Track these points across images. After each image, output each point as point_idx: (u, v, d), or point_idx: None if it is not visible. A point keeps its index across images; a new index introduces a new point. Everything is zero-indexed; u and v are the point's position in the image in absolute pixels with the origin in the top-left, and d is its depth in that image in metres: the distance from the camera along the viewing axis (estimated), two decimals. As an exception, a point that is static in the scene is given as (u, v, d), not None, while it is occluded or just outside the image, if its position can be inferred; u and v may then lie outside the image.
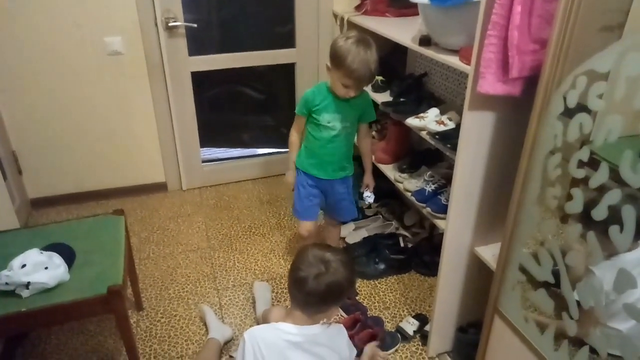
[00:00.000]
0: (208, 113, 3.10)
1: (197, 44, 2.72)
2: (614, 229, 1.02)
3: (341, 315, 2.01)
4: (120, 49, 2.51)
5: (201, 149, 2.98)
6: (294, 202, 2.07)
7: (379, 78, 2.43)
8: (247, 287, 2.19)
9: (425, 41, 1.83)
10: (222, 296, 2.14)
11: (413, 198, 2.11)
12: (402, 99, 2.32)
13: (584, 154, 1.10)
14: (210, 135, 3.15)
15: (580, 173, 1.12)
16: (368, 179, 2.12)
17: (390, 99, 2.36)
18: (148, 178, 2.91)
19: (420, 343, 1.91)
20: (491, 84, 1.22)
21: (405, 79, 2.43)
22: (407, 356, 1.85)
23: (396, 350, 1.87)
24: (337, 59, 1.72)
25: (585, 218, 1.14)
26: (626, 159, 0.97)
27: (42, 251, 1.47)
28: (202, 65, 2.72)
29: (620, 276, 1.03)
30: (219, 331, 1.87)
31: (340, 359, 1.40)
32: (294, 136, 1.99)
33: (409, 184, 2.22)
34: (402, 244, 2.41)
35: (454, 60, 1.63)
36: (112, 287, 1.44)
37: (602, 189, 1.06)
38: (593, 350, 1.15)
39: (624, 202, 1.01)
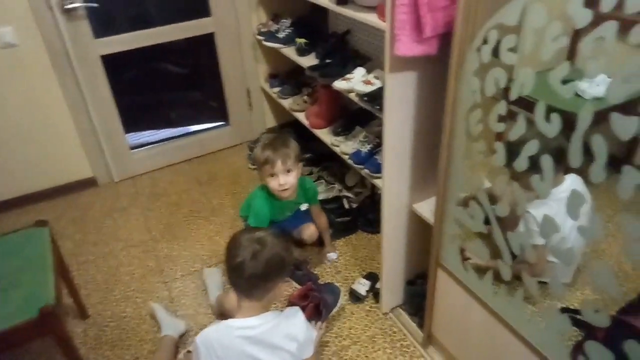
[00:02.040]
0: (130, 96, 2.90)
1: (103, 25, 2.50)
2: (535, 179, 1.05)
3: (294, 288, 2.02)
4: (14, 40, 2.26)
5: (128, 135, 2.81)
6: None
7: (302, 41, 2.35)
8: (196, 275, 2.14)
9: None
10: (171, 289, 2.08)
11: (350, 161, 2.10)
12: (327, 61, 2.26)
13: (501, 108, 1.11)
14: (135, 119, 2.97)
15: (500, 127, 1.13)
16: (328, 250, 2.21)
17: (317, 61, 2.30)
18: (74, 175, 2.72)
19: (374, 301, 1.96)
20: (407, 46, 1.20)
21: (328, 39, 2.36)
22: (362, 316, 1.90)
23: (352, 313, 1.91)
24: (256, 162, 1.90)
25: (510, 169, 1.17)
26: (539, 110, 0.98)
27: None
28: (111, 47, 2.51)
29: (545, 223, 1.07)
30: (171, 327, 1.82)
31: (298, 345, 1.40)
32: None
33: (345, 146, 2.20)
34: (346, 206, 2.43)
35: (372, 19, 1.58)
36: (44, 308, 1.34)
37: (522, 142, 1.08)
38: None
39: (542, 152, 1.03)
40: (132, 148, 2.87)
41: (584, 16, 0.84)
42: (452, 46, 1.13)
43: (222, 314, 1.87)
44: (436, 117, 1.45)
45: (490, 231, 1.26)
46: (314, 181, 2.66)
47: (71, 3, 2.30)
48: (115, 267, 2.21)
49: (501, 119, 1.11)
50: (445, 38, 1.22)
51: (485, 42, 1.08)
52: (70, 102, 2.51)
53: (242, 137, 3.12)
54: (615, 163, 0.94)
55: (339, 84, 1.96)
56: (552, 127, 0.97)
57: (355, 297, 1.96)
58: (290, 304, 1.86)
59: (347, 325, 1.87)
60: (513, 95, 1.04)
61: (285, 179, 1.85)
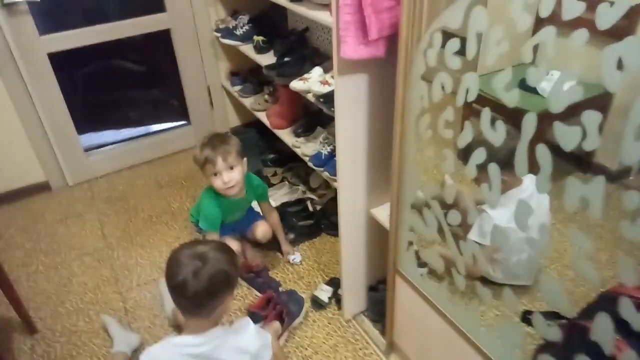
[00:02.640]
0: (85, 95, 2.78)
1: (49, 21, 2.37)
2: (483, 188, 1.01)
3: (256, 296, 1.96)
4: (-51, 38, 2.12)
5: (84, 136, 2.69)
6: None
7: (260, 38, 2.27)
8: (153, 285, 2.05)
9: (296, -3, 1.70)
10: (126, 299, 1.99)
11: (311, 163, 2.04)
12: (286, 59, 2.19)
13: (448, 114, 1.06)
14: (91, 119, 2.85)
15: (447, 133, 1.08)
16: (285, 248, 2.16)
17: (275, 59, 2.23)
18: (25, 179, 2.59)
19: (336, 307, 1.91)
20: (353, 48, 1.13)
21: (287, 37, 2.28)
22: (324, 323, 1.85)
23: (314, 321, 1.86)
24: (197, 162, 1.84)
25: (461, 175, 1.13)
26: (485, 117, 0.94)
27: None
28: (59, 44, 2.38)
29: (495, 231, 1.03)
30: (124, 342, 1.74)
31: (251, 356, 1.34)
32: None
33: (306, 148, 2.14)
34: (310, 208, 2.37)
35: (324, 17, 1.52)
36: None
37: (469, 148, 1.04)
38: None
39: (490, 160, 0.99)
40: (88, 150, 2.75)
41: (525, 20, 0.79)
42: (399, 49, 1.08)
43: (179, 326, 1.80)
44: (390, 121, 1.40)
45: (444, 239, 1.22)
46: (278, 182, 2.60)
47: (12, -2, 2.17)
48: (67, 278, 2.11)
49: (448, 125, 1.07)
50: (393, 40, 1.16)
51: (431, 45, 1.03)
52: (18, 103, 2.37)
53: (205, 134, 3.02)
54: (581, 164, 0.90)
55: (295, 84, 1.89)
56: (498, 135, 0.92)
57: (317, 304, 1.91)
58: (251, 313, 1.80)
59: (309, 334, 1.81)
60: (458, 101, 0.99)
61: (229, 175, 1.81)
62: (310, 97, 1.89)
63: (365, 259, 1.77)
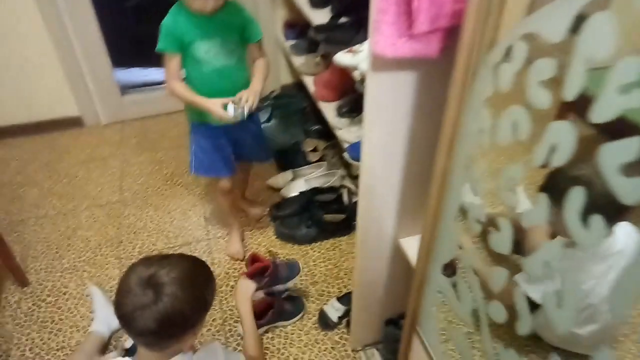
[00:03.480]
0: (125, 29, 2.55)
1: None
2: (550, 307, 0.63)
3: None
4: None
5: (126, 70, 2.48)
6: (194, 159, 1.66)
7: (316, -12, 1.86)
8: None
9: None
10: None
11: (347, 153, 1.69)
12: (342, 20, 1.78)
13: (513, 172, 0.67)
14: (131, 55, 2.64)
15: (511, 199, 0.69)
16: (251, 87, 1.51)
17: (331, 18, 1.83)
18: (58, 111, 2.46)
19: (346, 331, 1.62)
20: (390, 41, 0.75)
21: (350, -9, 1.85)
22: (327, 347, 1.57)
23: (316, 342, 1.58)
24: None
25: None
26: (572, 209, 0.55)
27: None
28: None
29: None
30: (104, 321, 1.56)
31: None
32: (177, 85, 1.47)
33: (347, 132, 1.78)
34: (345, 199, 2.03)
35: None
36: None
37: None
38: None
39: (563, 261, 0.61)
40: (124, 88, 2.56)
41: None
42: (457, 55, 0.68)
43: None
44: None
45: (477, 329, 0.86)
46: (316, 161, 2.28)
47: None
48: (73, 229, 1.97)
49: (511, 180, 0.68)
50: (455, 35, 0.75)
51: (508, 56, 0.62)
52: (53, 31, 2.19)
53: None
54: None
55: (341, 57, 1.49)
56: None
57: (324, 321, 1.62)
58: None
59: (307, 356, 1.54)
60: (535, 160, 0.60)
61: None
62: (356, 75, 1.50)
63: (385, 289, 1.43)
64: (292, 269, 1.61)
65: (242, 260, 1.83)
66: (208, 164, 1.66)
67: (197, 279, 1.02)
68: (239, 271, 1.79)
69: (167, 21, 1.42)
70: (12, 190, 2.16)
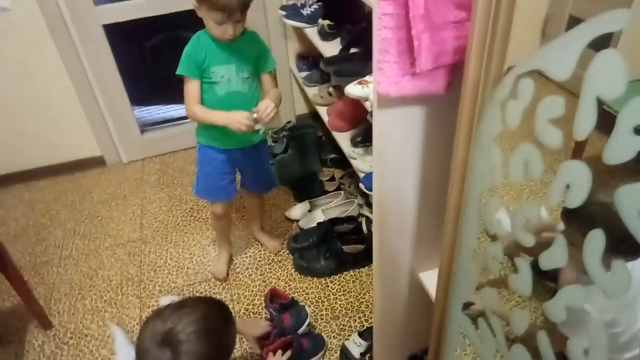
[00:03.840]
0: (141, 69, 2.62)
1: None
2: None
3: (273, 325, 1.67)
4: (5, 3, 2.02)
5: (144, 108, 2.54)
6: (197, 181, 1.72)
7: (326, 22, 1.88)
8: (175, 293, 1.86)
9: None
10: (144, 306, 1.82)
11: (362, 184, 1.67)
12: (352, 51, 1.79)
13: (530, 212, 0.64)
14: (149, 94, 2.71)
15: (527, 240, 0.66)
16: (266, 99, 1.52)
17: (341, 50, 1.84)
18: (81, 152, 2.53)
19: (369, 367, 1.57)
20: (393, 80, 0.73)
21: (358, 22, 1.87)
22: (350, 386, 1.52)
23: (338, 378, 1.54)
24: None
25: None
26: (592, 253, 0.51)
27: None
28: (114, 15, 2.20)
29: None
30: (126, 361, 1.57)
31: None
32: (196, 107, 1.52)
33: (362, 162, 1.77)
34: (364, 229, 2.00)
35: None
36: None
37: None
38: None
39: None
40: (145, 126, 2.62)
41: None
42: (462, 92, 0.66)
43: None
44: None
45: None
46: (334, 190, 2.26)
47: (66, -36, 2.00)
48: (95, 270, 1.99)
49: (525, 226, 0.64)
50: (460, 70, 0.74)
51: (515, 95, 0.60)
52: (74, 76, 2.27)
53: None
54: None
55: (352, 89, 1.49)
56: None
57: (346, 358, 1.58)
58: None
59: (329, 394, 1.50)
60: (551, 199, 0.57)
61: (236, 28, 1.41)
62: (368, 106, 1.50)
63: (406, 324, 1.39)
64: (317, 343, 1.60)
65: (223, 281, 1.88)
66: (207, 187, 1.73)
67: (214, 327, 1.00)
68: (259, 307, 1.77)
69: (188, 47, 1.49)
70: (37, 231, 2.20)
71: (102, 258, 2.05)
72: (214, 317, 1.02)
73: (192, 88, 1.50)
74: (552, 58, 0.51)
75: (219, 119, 1.49)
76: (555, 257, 0.59)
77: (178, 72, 1.49)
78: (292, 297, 1.73)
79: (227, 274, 1.90)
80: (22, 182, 2.49)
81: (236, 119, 1.45)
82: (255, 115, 1.45)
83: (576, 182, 0.53)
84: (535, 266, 0.66)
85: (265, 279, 1.89)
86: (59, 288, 1.92)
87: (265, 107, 1.46)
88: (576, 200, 0.53)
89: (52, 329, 1.76)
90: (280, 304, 1.69)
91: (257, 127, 1.47)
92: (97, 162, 2.57)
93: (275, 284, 1.86)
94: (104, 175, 2.54)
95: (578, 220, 0.62)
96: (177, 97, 1.58)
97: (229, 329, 1.06)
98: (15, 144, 2.40)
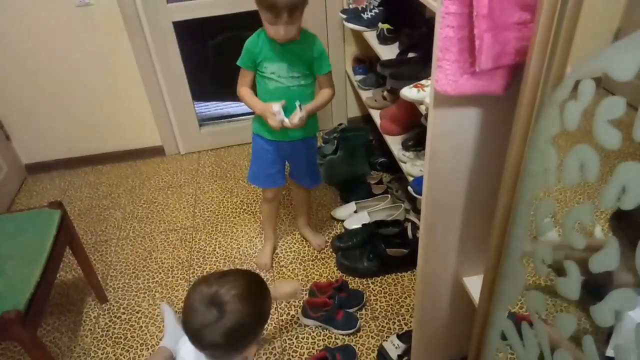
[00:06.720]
0: (213, 64, 2.74)
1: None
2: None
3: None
4: (88, -2, 2.19)
5: (203, 104, 2.66)
6: (250, 168, 1.86)
7: (385, 26, 1.91)
8: (221, 280, 1.94)
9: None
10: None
11: (411, 188, 1.68)
12: (410, 55, 1.81)
13: (584, 213, 0.63)
14: (213, 89, 2.83)
15: (579, 241, 0.66)
16: (305, 106, 1.63)
17: (398, 54, 1.86)
18: (143, 141, 2.68)
19: (405, 370, 1.57)
20: (452, 79, 0.75)
21: (418, 27, 1.88)
22: (385, 386, 1.53)
23: (373, 378, 1.55)
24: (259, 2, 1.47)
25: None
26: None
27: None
28: (184, 13, 2.32)
29: None
30: (174, 338, 1.63)
31: None
32: (243, 90, 1.67)
33: (412, 166, 1.78)
34: (409, 234, 2.00)
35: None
36: (5, 313, 1.22)
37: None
38: None
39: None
40: (203, 120, 2.74)
41: None
42: (520, 92, 0.67)
43: None
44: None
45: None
46: (381, 193, 2.28)
47: (146, -37, 2.14)
48: (149, 252, 2.11)
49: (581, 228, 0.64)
50: (520, 71, 0.74)
51: (576, 96, 0.61)
52: (143, 68, 2.41)
53: (320, 124, 2.78)
54: None
55: (407, 92, 1.51)
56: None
57: (383, 359, 1.59)
58: None
59: (364, 392, 1.52)
60: (604, 203, 0.57)
61: (287, 30, 1.48)
62: (422, 109, 1.51)
63: (446, 329, 1.38)
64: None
65: (267, 272, 1.96)
66: (256, 173, 1.85)
67: (254, 293, 1.08)
68: (299, 301, 1.81)
69: (249, 41, 1.62)
70: (99, 212, 2.36)
71: (156, 241, 2.16)
72: (254, 286, 1.10)
73: (244, 75, 1.66)
74: (616, 58, 0.52)
75: (256, 107, 1.64)
76: (606, 260, 0.59)
77: (237, 62, 1.64)
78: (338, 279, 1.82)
79: (271, 265, 1.97)
80: (89, 166, 2.67)
81: (269, 110, 1.58)
82: (279, 107, 1.57)
83: (633, 184, 0.53)
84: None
85: (308, 274, 1.93)
86: (116, 266, 2.05)
87: (294, 115, 1.59)
88: (632, 202, 0.53)
89: (107, 303, 1.88)
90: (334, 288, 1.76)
91: (276, 112, 1.57)
92: (157, 152, 2.71)
93: (318, 279, 1.90)
94: (162, 164, 2.68)
95: (629, 223, 0.61)
96: (235, 94, 1.69)
97: (266, 297, 1.13)
98: (87, 130, 2.58)
